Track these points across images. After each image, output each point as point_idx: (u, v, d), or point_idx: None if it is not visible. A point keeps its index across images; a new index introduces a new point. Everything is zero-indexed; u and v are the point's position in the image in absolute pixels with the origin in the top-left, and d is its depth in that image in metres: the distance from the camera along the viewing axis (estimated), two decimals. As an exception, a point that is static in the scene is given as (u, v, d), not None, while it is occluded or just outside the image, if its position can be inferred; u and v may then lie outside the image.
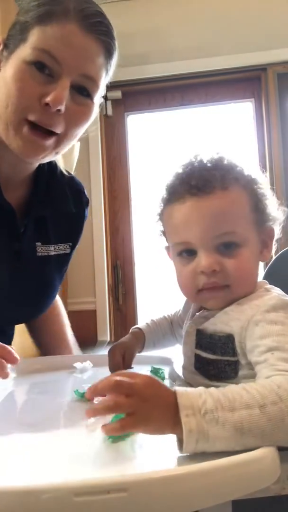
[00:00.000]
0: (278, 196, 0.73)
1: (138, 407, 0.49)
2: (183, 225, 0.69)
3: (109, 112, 2.64)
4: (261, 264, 0.75)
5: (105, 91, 0.88)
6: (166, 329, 0.91)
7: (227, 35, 2.52)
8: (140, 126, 2.77)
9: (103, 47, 0.79)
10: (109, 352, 0.83)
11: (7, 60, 0.80)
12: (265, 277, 0.93)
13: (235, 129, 2.68)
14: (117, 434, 0.51)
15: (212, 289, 0.68)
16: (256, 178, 0.71)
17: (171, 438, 0.57)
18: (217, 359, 0.66)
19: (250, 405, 0.50)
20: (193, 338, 0.72)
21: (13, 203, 0.91)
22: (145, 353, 0.89)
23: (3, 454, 0.55)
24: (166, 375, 0.82)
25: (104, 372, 0.82)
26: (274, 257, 1.31)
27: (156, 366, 0.83)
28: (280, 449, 0.50)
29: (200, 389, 0.53)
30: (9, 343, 1.03)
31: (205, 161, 0.70)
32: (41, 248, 0.96)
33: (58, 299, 1.17)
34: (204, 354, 0.69)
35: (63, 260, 1.01)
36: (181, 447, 0.49)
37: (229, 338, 0.65)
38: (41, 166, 0.95)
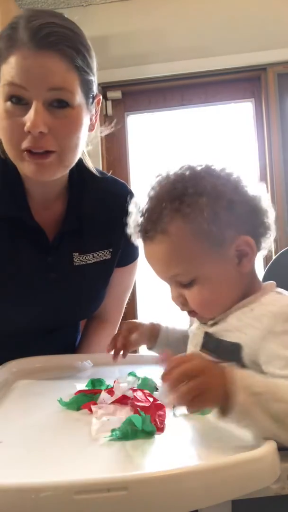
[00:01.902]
0: (278, 196, 0.71)
1: (203, 386, 0.53)
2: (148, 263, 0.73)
3: (109, 112, 2.64)
4: (260, 265, 0.74)
5: (94, 86, 0.89)
6: (180, 340, 0.84)
7: (227, 35, 2.53)
8: (140, 126, 2.77)
9: (59, 54, 0.80)
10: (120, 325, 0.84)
11: None
12: (265, 277, 0.93)
13: (235, 129, 2.68)
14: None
15: (188, 312, 0.73)
16: (207, 199, 0.65)
17: (171, 437, 0.57)
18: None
19: None
20: (200, 339, 0.71)
21: (50, 219, 0.98)
22: (145, 353, 0.89)
23: (3, 453, 0.55)
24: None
25: (104, 372, 0.81)
26: (274, 257, 1.31)
27: (148, 377, 0.80)
28: (280, 449, 0.50)
29: (251, 371, 0.57)
30: (77, 334, 1.18)
31: (150, 197, 0.69)
32: (78, 258, 1.00)
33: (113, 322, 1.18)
34: (209, 357, 0.68)
35: (104, 266, 1.04)
36: (222, 416, 0.54)
37: (237, 346, 0.64)
38: (72, 177, 0.99)
